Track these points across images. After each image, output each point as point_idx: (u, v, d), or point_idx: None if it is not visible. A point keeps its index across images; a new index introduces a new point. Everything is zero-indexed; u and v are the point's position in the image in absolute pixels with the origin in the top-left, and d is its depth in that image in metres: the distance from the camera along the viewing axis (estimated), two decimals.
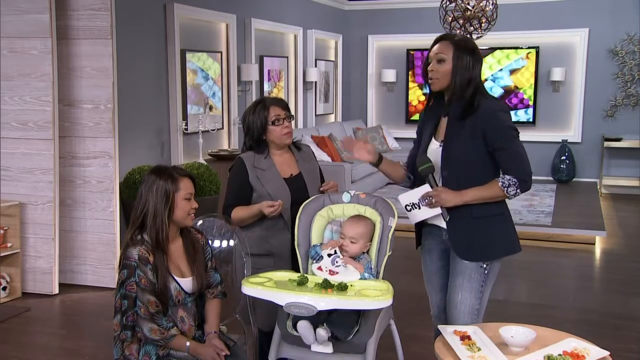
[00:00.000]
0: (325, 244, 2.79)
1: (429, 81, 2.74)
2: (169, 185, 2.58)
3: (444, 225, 2.74)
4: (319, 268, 2.69)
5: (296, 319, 2.56)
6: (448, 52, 2.67)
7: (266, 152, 3.06)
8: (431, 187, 2.69)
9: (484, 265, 2.73)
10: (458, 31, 6.98)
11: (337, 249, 2.72)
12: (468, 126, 2.65)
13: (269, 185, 2.99)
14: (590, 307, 4.76)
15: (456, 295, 2.74)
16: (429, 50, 2.75)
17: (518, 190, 2.63)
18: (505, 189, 2.62)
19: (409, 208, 2.76)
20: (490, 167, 2.69)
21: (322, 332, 2.49)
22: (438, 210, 2.69)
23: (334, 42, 10.09)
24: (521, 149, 2.65)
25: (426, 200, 2.69)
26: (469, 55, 2.66)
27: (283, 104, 3.08)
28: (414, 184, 2.91)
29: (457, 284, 2.74)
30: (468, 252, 2.71)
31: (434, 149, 2.77)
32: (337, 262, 2.68)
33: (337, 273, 2.65)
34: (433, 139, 2.80)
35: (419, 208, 2.72)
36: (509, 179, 2.62)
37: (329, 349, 2.55)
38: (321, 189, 3.05)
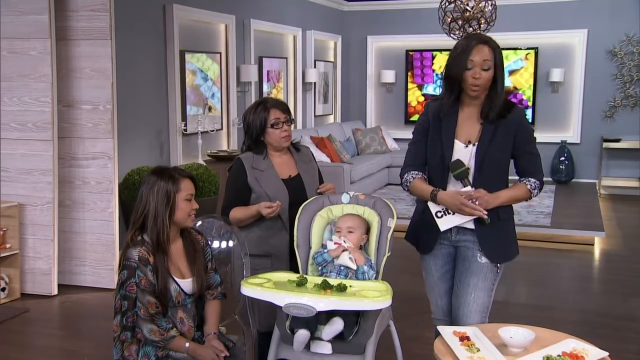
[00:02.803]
0: (332, 250, 2.77)
1: (473, 88, 2.65)
2: (169, 186, 2.58)
3: (465, 225, 2.74)
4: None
5: (295, 325, 2.56)
6: (492, 57, 2.65)
7: (265, 152, 3.07)
8: (472, 190, 2.65)
9: (498, 265, 2.79)
10: (457, 32, 6.98)
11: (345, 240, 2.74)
12: (501, 130, 2.70)
13: (268, 186, 2.99)
14: (589, 307, 4.77)
15: (469, 295, 2.77)
16: (467, 54, 2.62)
17: (539, 192, 2.78)
18: (533, 191, 2.75)
19: (440, 214, 2.72)
20: (508, 169, 2.79)
21: (337, 319, 2.50)
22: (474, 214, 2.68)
23: (333, 43, 10.10)
24: (539, 153, 2.79)
25: None
26: (501, 55, 2.70)
27: (284, 107, 3.08)
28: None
29: (471, 284, 2.76)
30: (495, 253, 2.76)
31: (460, 150, 2.73)
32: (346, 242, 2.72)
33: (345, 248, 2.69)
34: (455, 140, 2.75)
35: (453, 213, 2.69)
36: (534, 182, 2.75)
37: (328, 348, 2.55)
38: (318, 190, 3.05)
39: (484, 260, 2.76)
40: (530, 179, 2.75)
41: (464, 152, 2.73)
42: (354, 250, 2.72)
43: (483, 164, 2.70)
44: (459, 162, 2.68)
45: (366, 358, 2.59)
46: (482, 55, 2.63)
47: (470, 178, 2.70)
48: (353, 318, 2.59)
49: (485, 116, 2.71)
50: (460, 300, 2.79)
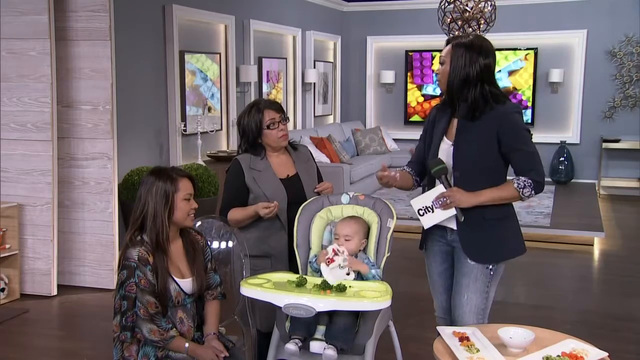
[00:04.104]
0: (319, 258, 2.75)
1: (439, 83, 2.80)
2: (168, 186, 2.58)
3: (452, 225, 2.75)
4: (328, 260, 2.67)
5: (294, 326, 2.56)
6: (448, 53, 2.71)
7: (263, 153, 3.06)
8: (445, 188, 2.68)
9: (490, 267, 2.75)
10: (457, 32, 6.98)
11: (339, 250, 2.70)
12: (481, 127, 2.67)
13: (266, 187, 2.99)
14: (588, 308, 4.77)
15: (462, 297, 2.76)
16: None
17: (533, 192, 2.65)
18: (521, 190, 2.64)
19: (421, 212, 2.73)
20: (502, 168, 2.72)
21: (330, 351, 2.48)
22: (452, 212, 2.68)
23: (332, 43, 10.10)
24: (535, 150, 2.68)
25: (440, 202, 2.66)
26: (466, 53, 2.67)
27: (277, 107, 3.08)
28: (421, 186, 2.92)
29: (463, 285, 2.76)
30: (479, 253, 2.73)
31: (445, 149, 2.77)
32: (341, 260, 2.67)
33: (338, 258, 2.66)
34: (445, 138, 2.79)
35: (432, 211, 2.70)
36: (524, 180, 2.64)
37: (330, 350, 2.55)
38: (315, 190, 3.05)
39: (472, 261, 2.75)
40: (520, 177, 2.65)
41: (448, 151, 2.75)
42: (353, 262, 2.67)
43: (460, 162, 2.70)
44: (438, 161, 2.71)
45: (366, 358, 2.59)
46: (442, 53, 2.76)
47: (449, 177, 2.72)
48: (353, 319, 2.59)
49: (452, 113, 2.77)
50: (456, 301, 2.80)
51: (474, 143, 2.68)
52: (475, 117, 2.67)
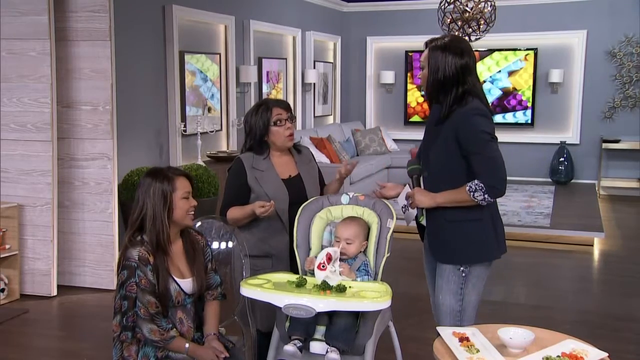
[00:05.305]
0: (306, 264, 2.75)
1: (422, 88, 2.85)
2: (165, 186, 2.58)
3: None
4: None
5: (293, 327, 2.56)
6: (426, 57, 2.73)
7: (266, 153, 3.07)
8: (410, 188, 2.76)
9: (462, 268, 2.72)
10: (457, 33, 6.98)
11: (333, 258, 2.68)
12: (444, 129, 2.68)
13: (268, 186, 2.99)
14: (588, 308, 4.77)
15: (438, 298, 2.79)
16: None
17: (486, 196, 2.58)
18: (472, 193, 2.59)
19: (403, 210, 2.82)
20: (466, 171, 2.65)
21: (334, 355, 2.48)
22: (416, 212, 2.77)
23: (332, 43, 10.10)
24: (494, 154, 2.60)
25: (407, 201, 2.75)
26: (442, 55, 2.66)
27: (285, 105, 3.09)
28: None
29: (439, 286, 2.78)
30: (441, 254, 2.76)
31: None
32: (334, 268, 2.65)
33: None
34: None
35: (408, 210, 2.81)
36: (477, 184, 2.58)
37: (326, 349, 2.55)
38: (341, 169, 3.03)
39: (438, 261, 2.78)
40: (474, 181, 2.58)
41: None
42: (343, 269, 2.65)
43: (427, 163, 2.75)
44: (416, 160, 2.80)
45: (366, 359, 2.59)
46: (421, 57, 2.77)
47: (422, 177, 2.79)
48: (353, 319, 2.59)
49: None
50: (435, 302, 2.83)
51: (439, 145, 2.69)
52: (443, 119, 2.68)
